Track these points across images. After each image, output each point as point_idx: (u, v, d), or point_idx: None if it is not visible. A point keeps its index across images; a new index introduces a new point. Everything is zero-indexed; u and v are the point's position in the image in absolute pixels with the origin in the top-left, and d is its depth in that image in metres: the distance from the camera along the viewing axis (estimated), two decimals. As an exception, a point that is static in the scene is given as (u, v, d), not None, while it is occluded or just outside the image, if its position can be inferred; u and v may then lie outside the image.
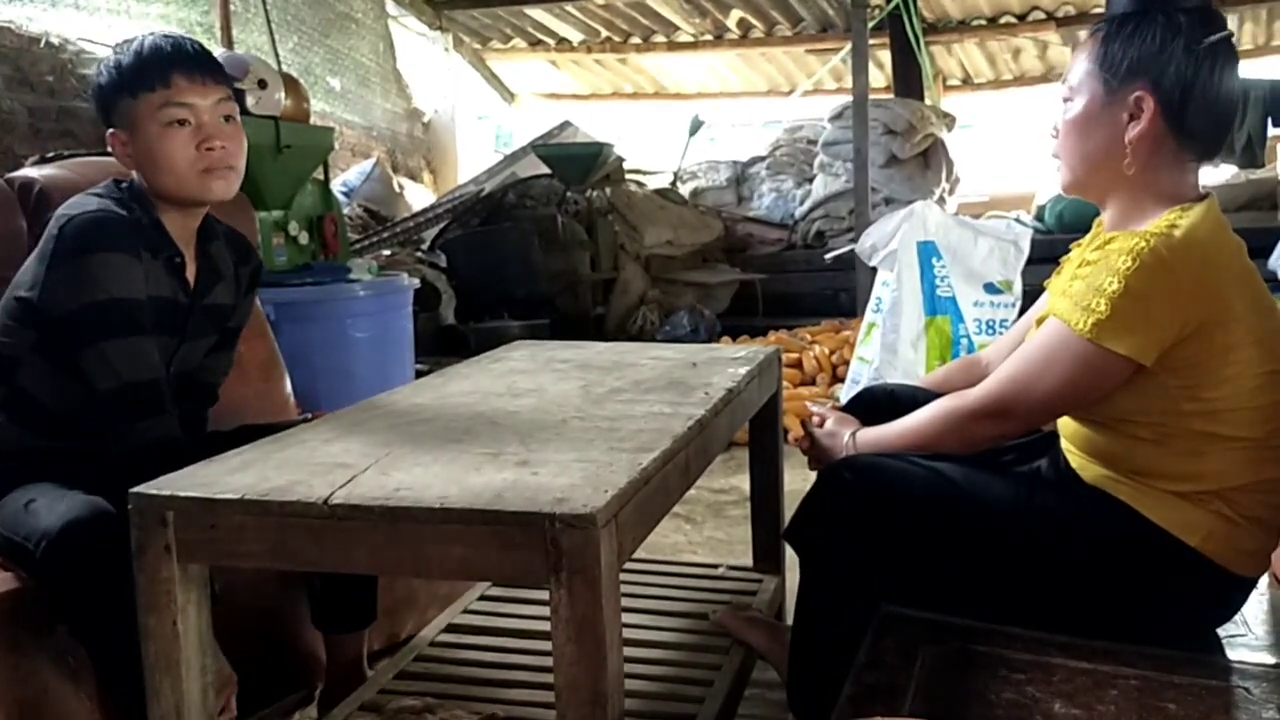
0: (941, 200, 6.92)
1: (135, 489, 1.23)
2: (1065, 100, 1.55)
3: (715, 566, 2.26)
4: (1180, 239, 1.41)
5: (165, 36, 1.79)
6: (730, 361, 1.99)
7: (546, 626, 1.89)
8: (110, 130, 1.79)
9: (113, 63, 1.77)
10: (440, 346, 5.38)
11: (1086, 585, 1.51)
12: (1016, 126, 9.56)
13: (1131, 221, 1.50)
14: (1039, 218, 6.70)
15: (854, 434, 1.69)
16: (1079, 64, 1.53)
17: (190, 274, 1.87)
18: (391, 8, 8.16)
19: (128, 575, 1.50)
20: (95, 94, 1.80)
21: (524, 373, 1.93)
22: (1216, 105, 1.48)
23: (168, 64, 1.74)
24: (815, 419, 1.78)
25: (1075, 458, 1.58)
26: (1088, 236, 1.69)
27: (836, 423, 1.74)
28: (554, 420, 1.54)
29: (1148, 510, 1.48)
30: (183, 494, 1.22)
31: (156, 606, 1.24)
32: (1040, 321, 1.57)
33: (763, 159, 7.77)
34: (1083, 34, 7.91)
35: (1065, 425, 1.60)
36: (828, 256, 4.47)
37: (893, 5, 7.22)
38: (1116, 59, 1.47)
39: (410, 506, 1.16)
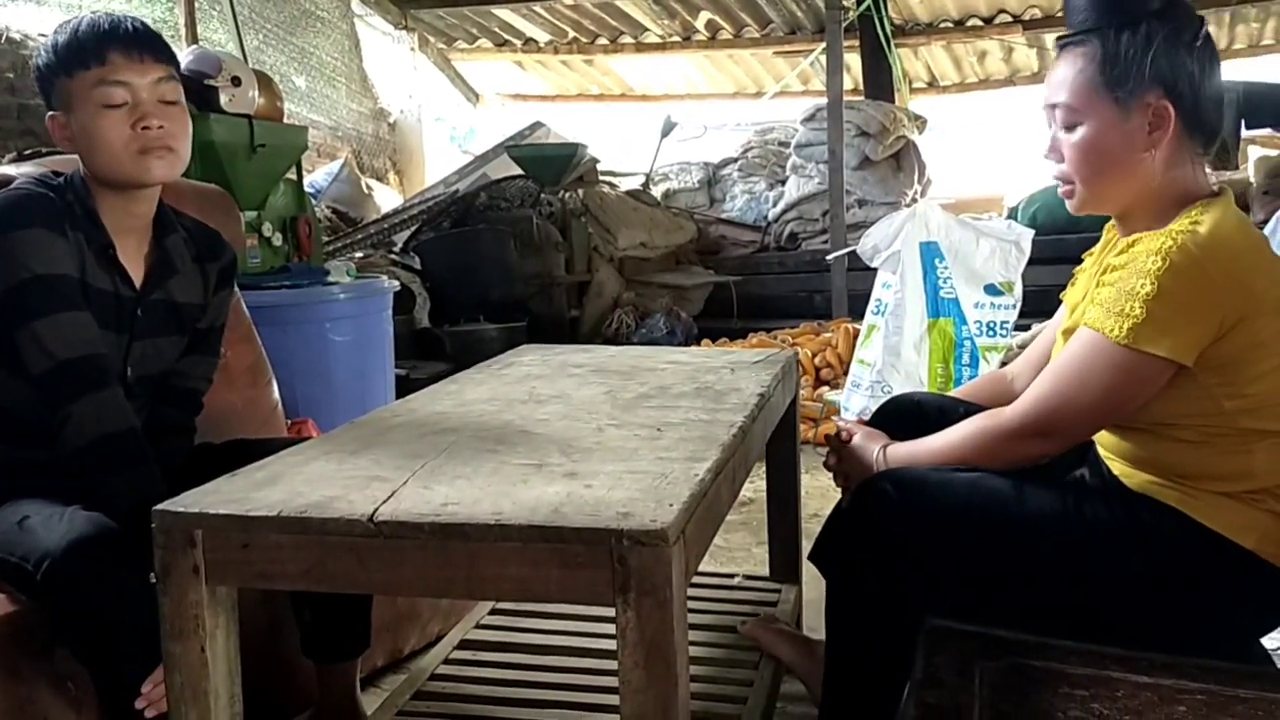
0: (914, 202, 6.92)
1: (160, 506, 1.14)
2: (1069, 127, 1.49)
3: (731, 576, 2.19)
4: (1206, 234, 1.38)
5: (104, 14, 1.69)
6: (753, 366, 1.93)
7: (569, 642, 1.86)
8: (50, 114, 1.70)
9: (50, 43, 1.67)
10: (415, 350, 5.27)
11: (1137, 595, 1.47)
12: (982, 130, 9.63)
13: (1153, 225, 1.47)
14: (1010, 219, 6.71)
15: (884, 449, 1.63)
16: (1073, 81, 1.47)
17: (136, 266, 1.76)
18: (357, 6, 8.01)
19: (135, 596, 1.43)
20: (35, 76, 1.71)
21: (541, 378, 1.86)
22: (1218, 95, 1.47)
23: (104, 41, 1.64)
24: (843, 434, 1.71)
25: (1117, 465, 1.54)
26: (1099, 244, 1.65)
27: (865, 437, 1.67)
28: (589, 429, 1.47)
29: (1198, 514, 1.44)
30: (213, 511, 1.13)
31: (183, 632, 1.15)
32: (1067, 334, 1.52)
33: (734, 160, 7.74)
34: (1049, 41, 7.91)
35: (1104, 435, 1.56)
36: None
37: (864, 6, 7.21)
38: (1126, 72, 1.43)
39: (463, 523, 1.08)
